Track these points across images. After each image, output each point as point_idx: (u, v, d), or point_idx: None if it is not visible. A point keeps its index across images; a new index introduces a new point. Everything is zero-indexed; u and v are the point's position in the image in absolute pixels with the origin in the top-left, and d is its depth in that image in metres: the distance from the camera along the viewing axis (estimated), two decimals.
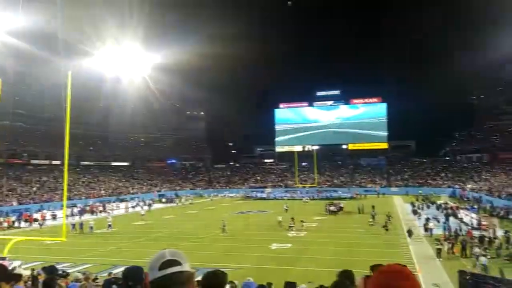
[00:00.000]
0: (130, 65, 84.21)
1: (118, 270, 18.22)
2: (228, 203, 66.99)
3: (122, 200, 65.82)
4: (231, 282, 10.74)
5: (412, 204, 52.00)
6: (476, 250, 23.41)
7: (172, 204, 66.93)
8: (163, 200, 71.46)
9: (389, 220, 36.89)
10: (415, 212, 44.47)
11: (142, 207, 56.69)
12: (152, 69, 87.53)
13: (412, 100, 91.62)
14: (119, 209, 57.86)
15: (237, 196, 77.03)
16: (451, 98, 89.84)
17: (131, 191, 76.19)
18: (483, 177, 70.22)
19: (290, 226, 35.99)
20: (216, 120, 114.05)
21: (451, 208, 44.94)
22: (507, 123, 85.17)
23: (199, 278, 3.16)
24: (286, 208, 50.64)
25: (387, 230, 33.31)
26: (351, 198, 65.79)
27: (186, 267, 1.88)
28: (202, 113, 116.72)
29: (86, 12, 66.32)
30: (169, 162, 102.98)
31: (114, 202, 63.33)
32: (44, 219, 45.02)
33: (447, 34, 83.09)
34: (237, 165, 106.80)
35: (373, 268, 3.14)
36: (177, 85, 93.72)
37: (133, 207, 59.25)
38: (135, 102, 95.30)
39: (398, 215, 45.23)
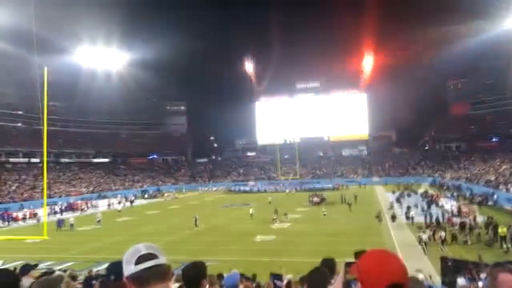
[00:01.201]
0: (108, 60, 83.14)
1: (101, 268, 17.99)
2: (211, 197, 66.84)
3: (104, 197, 65.07)
4: (219, 274, 10.68)
5: (393, 192, 53.17)
6: (442, 233, 24.45)
7: (155, 200, 66.47)
8: (146, 196, 70.89)
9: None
10: (398, 200, 45.00)
11: (123, 203, 56.06)
12: (131, 65, 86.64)
13: (392, 90, 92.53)
14: (98, 206, 56.94)
15: (220, 190, 76.89)
16: (429, 87, 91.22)
17: (113, 188, 75.30)
18: (462, 165, 71.42)
19: (273, 219, 36.08)
20: (197, 114, 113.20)
21: (432, 196, 45.61)
22: (483, 112, 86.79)
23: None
24: (270, 201, 50.86)
25: (380, 220, 33.16)
26: (334, 189, 66.34)
27: (162, 260, 1.81)
28: (182, 107, 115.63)
29: (63, 9, 64.97)
30: (150, 157, 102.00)
31: (95, 199, 62.58)
32: (30, 217, 45.18)
33: (423, 23, 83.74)
34: (219, 159, 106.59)
35: (357, 254, 3.11)
36: (157, 80, 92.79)
37: (118, 203, 58.62)
38: (115, 98, 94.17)
39: (380, 204, 45.81)
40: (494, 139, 79.36)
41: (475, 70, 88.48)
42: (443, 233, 24.52)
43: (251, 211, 39.71)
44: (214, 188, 79.91)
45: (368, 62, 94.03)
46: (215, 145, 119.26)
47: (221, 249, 26.28)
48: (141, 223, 40.04)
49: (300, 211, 43.16)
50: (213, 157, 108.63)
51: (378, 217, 33.55)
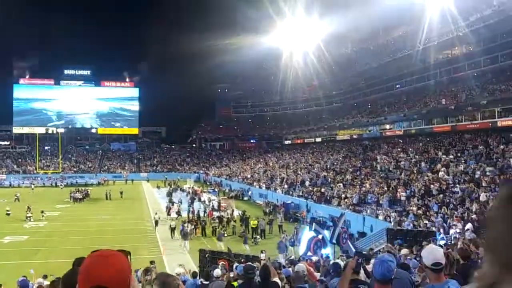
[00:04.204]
0: None
1: None
2: None
3: None
4: None
5: (158, 187, 54.85)
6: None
7: None
8: None
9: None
10: (169, 195, 45.59)
11: None
12: None
13: (164, 88, 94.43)
14: None
15: None
16: (199, 89, 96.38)
17: None
18: (224, 163, 77.59)
19: (27, 217, 32.24)
20: None
21: (195, 192, 47.97)
22: (245, 116, 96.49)
23: None
24: (17, 196, 44.87)
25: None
26: (99, 184, 63.80)
27: None
28: None
29: None
30: None
31: None
32: None
33: (198, 31, 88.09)
34: None
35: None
36: None
37: None
38: None
39: (146, 200, 46.03)
40: (252, 140, 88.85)
41: (240, 77, 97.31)
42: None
43: None
44: None
45: (142, 57, 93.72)
46: None
47: None
48: None
49: (59, 208, 39.79)
50: None
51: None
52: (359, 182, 34.38)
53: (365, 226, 26.45)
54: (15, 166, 77.94)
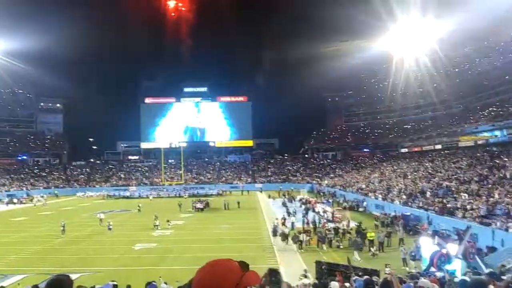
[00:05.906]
0: None
1: None
2: (88, 202, 62.75)
3: None
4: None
5: (272, 198, 56.88)
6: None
7: (22, 205, 60.44)
8: (15, 200, 64.09)
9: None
10: (284, 205, 46.26)
11: None
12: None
13: (275, 100, 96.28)
14: None
15: (99, 195, 72.45)
16: (309, 99, 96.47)
17: None
18: (337, 173, 76.57)
19: (155, 225, 34.93)
20: (75, 113, 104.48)
21: (309, 202, 47.89)
22: (357, 124, 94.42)
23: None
24: (139, 207, 48.97)
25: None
26: (217, 195, 66.76)
27: None
28: (58, 105, 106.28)
29: None
30: (19, 158, 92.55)
31: None
32: None
33: (306, 41, 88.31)
34: (98, 162, 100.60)
35: None
36: (32, 73, 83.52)
37: None
38: None
39: (262, 210, 47.08)
40: (365, 149, 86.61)
41: (350, 85, 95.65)
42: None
43: (63, 222, 34.08)
44: (91, 193, 74.76)
45: (254, 71, 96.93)
46: (94, 147, 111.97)
47: (95, 258, 24.70)
48: (5, 231, 36.02)
49: (183, 218, 42.44)
50: (92, 160, 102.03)
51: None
52: (486, 192, 31.61)
53: (494, 240, 24.19)
54: (143, 179, 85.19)
